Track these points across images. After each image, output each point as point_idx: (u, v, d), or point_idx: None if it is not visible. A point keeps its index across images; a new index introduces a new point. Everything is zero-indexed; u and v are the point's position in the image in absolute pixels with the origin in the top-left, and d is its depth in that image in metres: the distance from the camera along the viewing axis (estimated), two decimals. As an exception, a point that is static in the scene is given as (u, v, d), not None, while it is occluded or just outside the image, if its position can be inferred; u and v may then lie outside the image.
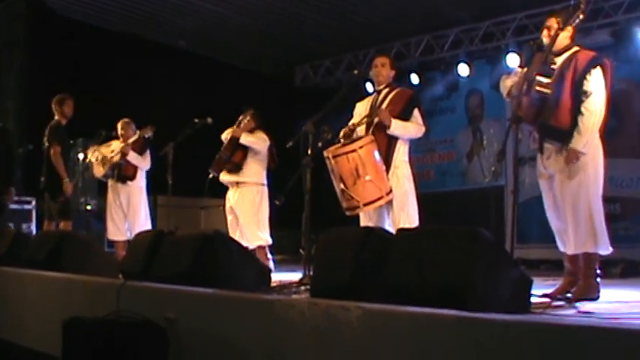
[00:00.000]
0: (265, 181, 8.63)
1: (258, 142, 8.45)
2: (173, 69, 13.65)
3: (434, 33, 13.07)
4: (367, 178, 6.25)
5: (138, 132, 9.54)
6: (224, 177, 8.58)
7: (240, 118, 8.65)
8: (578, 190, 5.37)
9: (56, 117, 9.38)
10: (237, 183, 8.53)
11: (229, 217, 8.59)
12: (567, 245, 5.48)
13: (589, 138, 5.35)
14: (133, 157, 9.48)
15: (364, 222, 6.57)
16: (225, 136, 8.58)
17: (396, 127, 6.49)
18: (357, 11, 12.40)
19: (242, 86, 13.39)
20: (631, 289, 6.96)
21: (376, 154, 6.36)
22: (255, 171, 8.55)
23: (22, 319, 5.95)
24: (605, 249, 5.39)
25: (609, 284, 7.24)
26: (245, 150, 8.46)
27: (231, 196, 8.58)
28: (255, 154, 8.51)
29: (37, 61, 13.12)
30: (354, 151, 6.28)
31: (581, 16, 5.40)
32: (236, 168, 8.49)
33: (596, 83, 5.37)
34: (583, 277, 5.38)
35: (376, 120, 6.55)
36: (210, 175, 8.64)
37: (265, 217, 8.56)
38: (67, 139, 9.70)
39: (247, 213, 8.46)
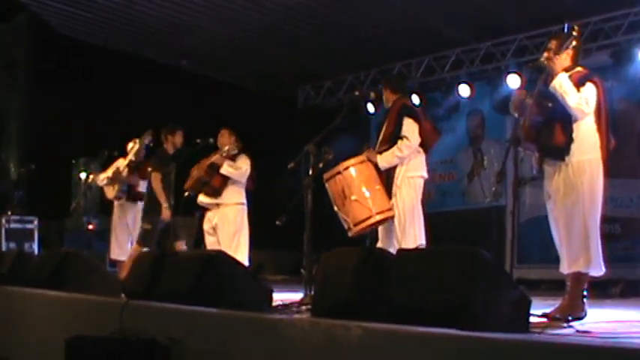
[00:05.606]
0: (245, 201, 8.68)
1: (238, 173, 8.49)
2: (175, 89, 13.71)
3: (435, 54, 13.14)
4: (353, 198, 6.35)
5: (137, 140, 9.51)
6: (203, 199, 8.60)
7: (219, 138, 8.69)
8: (572, 209, 5.39)
9: (165, 145, 9.22)
10: (218, 204, 8.58)
11: (211, 239, 8.61)
12: (561, 264, 5.51)
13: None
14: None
15: (380, 241, 6.70)
16: (207, 161, 8.59)
17: (384, 161, 6.61)
18: (359, 32, 12.46)
19: (244, 106, 13.46)
20: (630, 309, 6.97)
21: (369, 173, 6.44)
22: (234, 193, 8.59)
23: (25, 338, 5.96)
24: (598, 270, 5.37)
25: (608, 304, 7.28)
26: (225, 176, 8.50)
27: (212, 217, 8.61)
28: (234, 180, 8.56)
29: (39, 80, 13.19)
30: (338, 173, 6.45)
31: (574, 43, 5.48)
32: (215, 192, 8.52)
33: (587, 93, 5.40)
34: (569, 295, 5.39)
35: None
36: (186, 194, 8.66)
37: (245, 237, 8.62)
38: (171, 166, 9.26)
39: (228, 232, 8.49)
